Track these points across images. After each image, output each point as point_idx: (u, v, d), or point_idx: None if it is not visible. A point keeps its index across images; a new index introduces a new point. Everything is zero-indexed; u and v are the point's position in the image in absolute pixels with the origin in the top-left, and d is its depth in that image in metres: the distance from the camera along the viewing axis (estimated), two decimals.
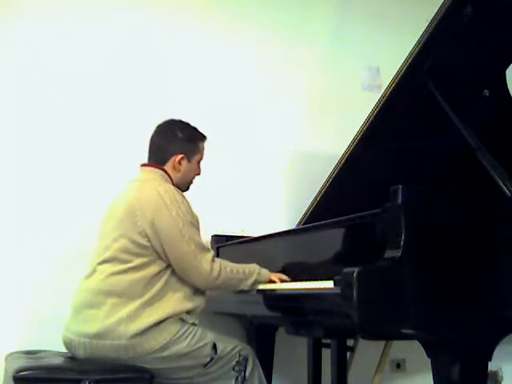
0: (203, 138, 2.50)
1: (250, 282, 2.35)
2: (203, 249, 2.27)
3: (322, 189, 2.85)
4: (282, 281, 2.37)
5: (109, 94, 3.11)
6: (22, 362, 2.23)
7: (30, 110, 2.99)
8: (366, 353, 3.01)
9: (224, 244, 3.09)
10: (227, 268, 2.30)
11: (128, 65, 3.17)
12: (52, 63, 3.04)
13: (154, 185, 2.32)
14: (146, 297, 2.20)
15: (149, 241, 2.23)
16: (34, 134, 2.98)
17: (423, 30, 2.31)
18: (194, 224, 2.30)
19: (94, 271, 2.30)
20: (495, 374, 3.44)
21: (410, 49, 2.37)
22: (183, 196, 2.34)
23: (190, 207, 2.31)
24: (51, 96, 3.02)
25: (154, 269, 2.24)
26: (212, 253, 2.31)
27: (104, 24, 3.15)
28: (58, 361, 2.28)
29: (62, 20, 3.08)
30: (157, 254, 2.25)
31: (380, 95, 2.53)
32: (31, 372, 2.11)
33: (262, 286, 2.38)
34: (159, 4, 3.26)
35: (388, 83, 2.48)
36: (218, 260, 2.31)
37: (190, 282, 2.27)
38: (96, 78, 3.10)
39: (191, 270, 2.24)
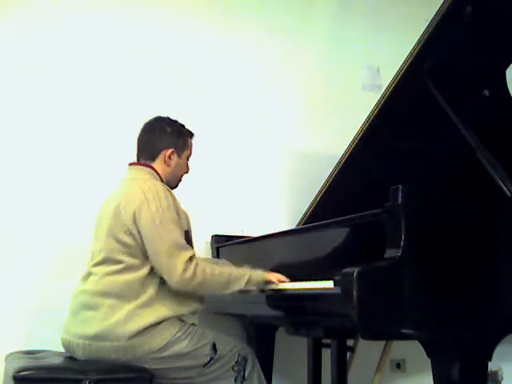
0: (191, 134, 2.49)
1: (236, 287, 2.24)
2: (180, 247, 2.19)
3: (322, 189, 2.85)
4: (281, 281, 2.31)
5: (103, 94, 3.10)
6: (22, 362, 2.23)
7: (25, 110, 2.98)
8: (366, 353, 3.01)
9: (224, 244, 3.09)
10: (207, 269, 2.20)
11: (125, 64, 3.16)
12: (46, 63, 3.03)
13: (140, 183, 2.30)
14: (144, 297, 2.20)
15: (134, 239, 2.22)
16: (32, 135, 2.98)
17: (423, 30, 2.31)
18: (175, 221, 2.23)
19: (89, 273, 2.30)
20: (495, 374, 3.44)
21: (410, 49, 2.37)
22: (169, 192, 2.29)
23: (173, 203, 2.26)
24: (46, 97, 3.02)
25: (147, 268, 2.22)
26: (191, 252, 2.22)
27: (101, 24, 3.14)
28: (58, 361, 2.28)
29: (58, 20, 3.07)
30: (143, 253, 2.22)
31: (380, 95, 2.53)
32: (31, 372, 2.11)
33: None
34: (158, 3, 3.26)
35: (388, 83, 2.48)
36: (196, 260, 2.20)
37: (166, 282, 2.20)
38: (90, 78, 3.09)
39: (164, 267, 2.18)
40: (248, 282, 2.25)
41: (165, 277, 2.20)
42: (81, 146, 3.03)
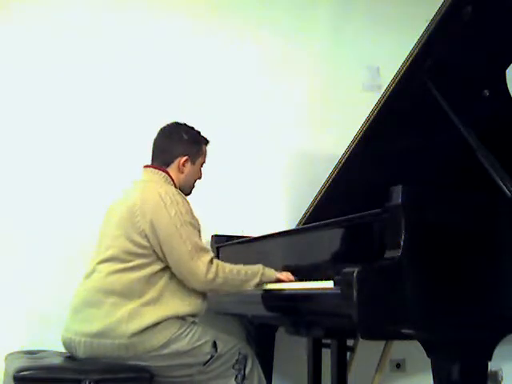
0: (206, 141, 2.53)
1: (253, 283, 2.31)
2: (201, 250, 2.25)
3: (321, 189, 2.84)
4: (290, 280, 2.33)
5: (112, 96, 3.12)
6: (22, 362, 2.23)
7: (34, 110, 3.00)
8: (366, 353, 3.01)
9: (224, 244, 3.09)
10: (226, 269, 2.26)
11: (130, 66, 3.17)
12: (55, 65, 3.05)
13: (156, 187, 2.33)
14: (147, 296, 2.21)
15: (148, 241, 2.24)
16: (35, 134, 2.99)
17: (423, 30, 2.31)
18: (194, 225, 2.29)
19: (93, 271, 2.31)
20: (495, 374, 3.44)
21: (410, 49, 2.37)
22: (184, 198, 2.34)
23: (190, 209, 2.31)
24: (54, 98, 3.03)
25: (153, 268, 2.24)
26: (211, 254, 2.28)
27: (107, 25, 3.15)
28: (58, 361, 2.28)
29: (64, 21, 3.08)
30: (156, 255, 2.25)
31: (380, 95, 2.53)
32: (31, 372, 2.11)
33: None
34: (160, 6, 3.27)
35: (388, 83, 2.48)
36: (216, 262, 2.27)
37: (187, 284, 2.26)
38: (100, 80, 3.11)
39: (187, 270, 2.23)
40: (262, 275, 2.32)
41: (187, 279, 2.24)
42: (83, 147, 3.04)
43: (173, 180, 2.41)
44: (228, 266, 2.29)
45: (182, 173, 2.44)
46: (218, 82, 3.32)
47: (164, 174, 2.40)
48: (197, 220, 2.34)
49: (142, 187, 2.37)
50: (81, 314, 2.27)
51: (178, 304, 2.25)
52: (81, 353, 2.22)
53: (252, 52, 3.41)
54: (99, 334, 2.18)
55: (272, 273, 2.35)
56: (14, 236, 2.90)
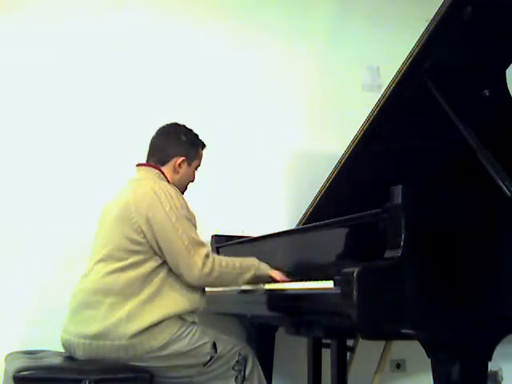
0: (204, 145, 2.54)
1: (247, 276, 2.31)
2: (197, 244, 2.25)
3: (322, 189, 2.85)
4: (282, 280, 2.34)
5: (112, 97, 3.12)
6: (22, 362, 2.23)
7: (30, 109, 3.00)
8: (366, 353, 3.01)
9: (224, 244, 3.10)
10: (222, 263, 2.26)
11: (128, 66, 3.18)
12: (52, 64, 3.05)
13: (150, 183, 2.33)
14: (145, 295, 2.20)
15: (144, 237, 2.23)
16: (36, 134, 2.99)
17: (423, 30, 2.31)
18: (189, 219, 2.29)
19: (90, 271, 2.30)
20: (495, 374, 3.44)
21: (410, 49, 2.37)
22: (178, 192, 2.34)
23: (185, 203, 2.31)
24: (51, 97, 3.03)
25: (150, 265, 2.23)
26: (207, 248, 2.28)
27: (105, 25, 3.16)
28: (58, 361, 2.28)
29: (62, 20, 3.09)
30: (153, 251, 2.24)
31: (380, 95, 2.53)
32: (31, 372, 2.11)
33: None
34: (160, 5, 3.27)
35: (388, 83, 2.48)
36: (212, 256, 2.27)
37: (182, 278, 2.24)
38: (100, 80, 3.11)
39: (183, 264, 2.22)
40: (256, 269, 2.33)
41: (183, 273, 2.24)
42: (84, 147, 3.05)
43: (166, 177, 2.41)
44: (224, 260, 2.29)
45: (178, 173, 2.44)
46: (217, 81, 3.32)
47: (157, 171, 2.40)
48: (192, 215, 2.34)
49: (136, 185, 2.37)
50: (79, 315, 2.26)
51: (177, 300, 2.24)
52: (80, 354, 2.22)
53: (252, 52, 3.41)
54: (98, 336, 2.18)
55: (266, 267, 2.36)
56: (14, 236, 2.89)
